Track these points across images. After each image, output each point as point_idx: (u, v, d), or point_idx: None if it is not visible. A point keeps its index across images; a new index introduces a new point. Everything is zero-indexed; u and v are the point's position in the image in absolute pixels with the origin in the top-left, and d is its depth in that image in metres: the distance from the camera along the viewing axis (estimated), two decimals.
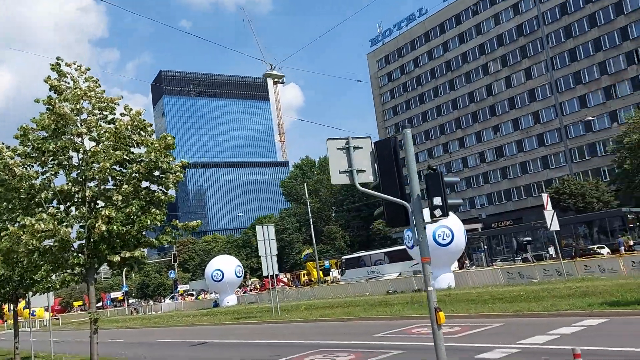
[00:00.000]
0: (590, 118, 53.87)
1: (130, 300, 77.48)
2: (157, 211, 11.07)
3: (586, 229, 54.20)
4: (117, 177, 10.69)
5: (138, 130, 11.03)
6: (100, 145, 10.43)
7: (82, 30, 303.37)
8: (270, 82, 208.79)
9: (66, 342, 27.82)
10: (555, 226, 26.05)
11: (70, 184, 10.26)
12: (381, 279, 43.49)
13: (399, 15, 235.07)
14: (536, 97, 69.96)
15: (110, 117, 11.02)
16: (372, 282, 39.15)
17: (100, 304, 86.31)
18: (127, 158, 10.86)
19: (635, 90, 60.20)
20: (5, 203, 10.16)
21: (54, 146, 10.02)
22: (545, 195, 26.96)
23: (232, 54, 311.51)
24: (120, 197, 10.43)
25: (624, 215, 40.45)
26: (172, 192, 11.97)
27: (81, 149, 10.33)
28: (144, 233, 11.10)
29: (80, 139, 10.40)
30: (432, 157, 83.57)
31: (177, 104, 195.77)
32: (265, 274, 27.81)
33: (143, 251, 10.82)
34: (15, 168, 9.63)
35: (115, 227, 10.14)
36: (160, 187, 11.48)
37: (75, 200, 10.47)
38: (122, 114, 11.01)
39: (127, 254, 10.46)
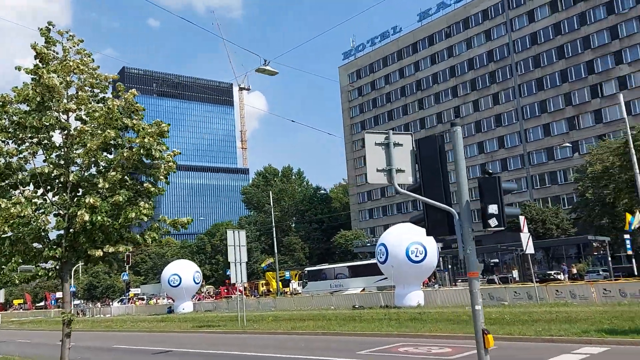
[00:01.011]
0: (567, 144, 55.01)
1: (76, 302, 73.83)
2: (146, 204, 9.96)
3: (543, 254, 55.27)
4: (104, 162, 9.53)
5: (129, 112, 9.91)
6: (87, 125, 9.25)
7: (45, 18, 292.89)
8: (235, 88, 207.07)
9: (10, 342, 25.69)
10: (530, 249, 26.00)
11: (51, 166, 9.02)
12: (344, 293, 42.74)
13: (373, 32, 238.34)
14: (502, 123, 71.39)
15: (100, 96, 9.86)
16: (337, 295, 38.29)
17: (42, 304, 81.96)
18: (117, 141, 9.72)
19: (597, 123, 62.21)
20: None
21: (37, 122, 8.79)
22: (522, 218, 26.90)
23: (199, 57, 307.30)
24: (106, 185, 9.28)
25: (590, 242, 41.17)
26: (161, 184, 10.84)
27: (67, 127, 9.13)
28: (128, 228, 9.94)
29: (66, 116, 9.19)
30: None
31: (139, 103, 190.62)
32: (233, 281, 26.55)
33: (128, 247, 9.66)
34: None
35: (99, 217, 8.97)
36: (148, 178, 10.39)
37: (56, 185, 9.23)
38: (113, 94, 9.87)
39: (111, 249, 9.30)
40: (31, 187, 9.22)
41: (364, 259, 67.75)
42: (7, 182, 8.85)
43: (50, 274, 9.14)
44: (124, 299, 71.95)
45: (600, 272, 46.82)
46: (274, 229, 60.89)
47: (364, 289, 44.46)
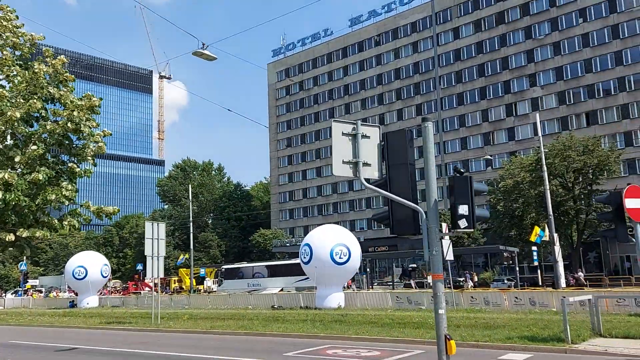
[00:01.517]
0: (489, 156, 57.34)
1: None
2: (69, 186, 8.91)
3: (453, 261, 57.58)
4: (23, 135, 8.37)
5: (57, 82, 8.79)
6: (7, 91, 8.06)
7: None
8: (155, 75, 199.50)
9: None
10: (450, 256, 26.72)
11: None
12: (262, 292, 42.05)
13: (304, 31, 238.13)
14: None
15: (22, 60, 8.67)
16: (255, 295, 37.52)
17: None
18: (40, 113, 8.59)
19: (510, 140, 65.88)
20: None
21: None
22: (444, 225, 27.56)
23: (118, 40, 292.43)
24: (24, 160, 8.14)
25: (500, 252, 43.29)
26: (87, 166, 9.76)
27: None
28: (46, 211, 8.82)
29: None
30: (320, 176, 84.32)
31: None
32: (150, 275, 25.07)
33: (45, 232, 8.54)
34: None
35: (13, 196, 7.83)
36: (72, 158, 9.31)
37: None
38: (38, 59, 8.72)
39: (25, 233, 8.16)
40: None
41: (282, 259, 67.34)
42: None
43: None
44: (19, 290, 66.63)
45: (505, 281, 49.43)
46: (191, 223, 58.91)
47: (282, 289, 44.01)
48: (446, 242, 26.70)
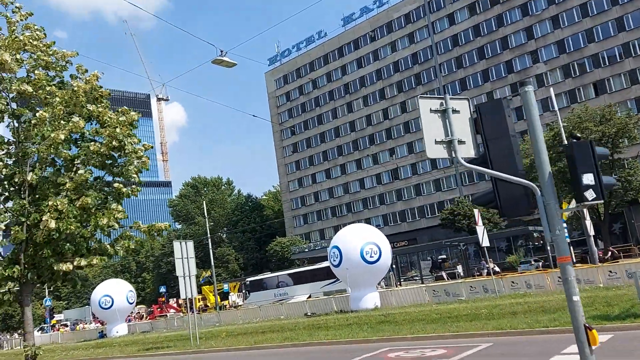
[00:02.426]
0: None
1: None
2: (119, 207, 8.34)
3: (475, 247, 56.74)
4: (68, 158, 7.79)
5: (93, 98, 8.21)
6: (46, 111, 7.49)
7: None
8: (153, 99, 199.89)
9: None
10: (486, 242, 26.04)
11: (0, 164, 7.18)
12: (290, 301, 41.40)
13: (297, 37, 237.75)
14: None
15: (57, 79, 8.10)
16: (286, 304, 36.84)
17: None
18: (82, 134, 8.01)
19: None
20: None
21: None
22: (477, 211, 26.91)
23: (111, 68, 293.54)
24: (72, 186, 7.56)
25: (531, 232, 42.44)
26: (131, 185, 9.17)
27: (22, 114, 7.33)
28: (96, 237, 8.25)
29: (17, 101, 7.38)
30: (330, 178, 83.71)
31: None
32: (183, 296, 24.48)
33: (103, 258, 7.97)
34: None
35: (66, 225, 7.25)
36: (116, 178, 8.73)
37: (7, 187, 7.39)
38: (72, 77, 8.14)
39: (82, 262, 7.59)
40: None
41: (302, 265, 66.64)
42: None
43: (6, 298, 7.25)
44: (44, 326, 66.16)
45: (533, 263, 48.59)
46: (209, 240, 58.36)
47: (310, 296, 43.31)
48: (480, 228, 26.03)
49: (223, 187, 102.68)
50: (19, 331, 70.14)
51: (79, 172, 7.56)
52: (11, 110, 7.24)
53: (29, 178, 7.13)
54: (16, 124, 7.45)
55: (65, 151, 7.82)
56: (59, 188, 7.46)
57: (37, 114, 7.29)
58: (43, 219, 6.89)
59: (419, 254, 57.67)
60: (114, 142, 7.85)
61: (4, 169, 7.09)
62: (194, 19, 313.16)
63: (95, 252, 8.22)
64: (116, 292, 42.42)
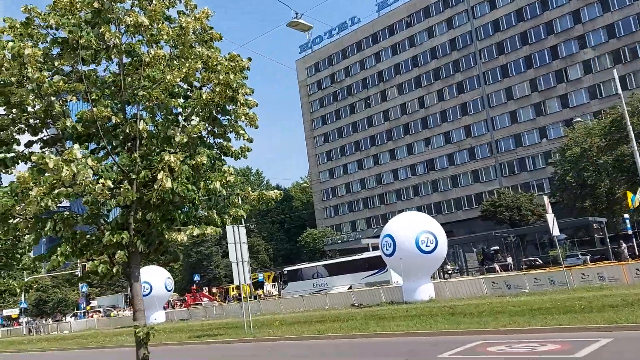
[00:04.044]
0: (579, 120, 48.81)
1: (21, 319, 67.35)
2: (231, 169, 7.09)
3: (518, 240, 54.71)
4: (181, 107, 6.52)
5: (203, 40, 6.90)
6: (160, 49, 6.21)
7: None
8: None
9: None
10: (556, 231, 24.37)
11: (107, 108, 5.93)
12: (331, 291, 40.18)
13: (330, 23, 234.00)
14: (468, 111, 70.87)
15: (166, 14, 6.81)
16: (330, 295, 35.64)
17: None
18: (191, 80, 6.74)
19: (564, 108, 62.55)
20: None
21: (94, 40, 5.68)
22: (546, 198, 25.25)
23: None
24: (184, 140, 6.29)
25: (590, 224, 40.43)
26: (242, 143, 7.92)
27: (135, 50, 6.07)
28: (211, 202, 7.01)
29: (127, 34, 6.11)
30: (362, 169, 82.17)
31: None
32: (237, 282, 23.43)
33: (217, 229, 6.73)
34: (30, 67, 5.26)
35: (181, 186, 5.99)
36: (227, 133, 7.48)
37: (114, 139, 6.15)
38: (179, 13, 6.84)
39: (196, 231, 6.35)
40: (69, 143, 6.07)
41: (334, 256, 65.41)
42: (45, 134, 5.76)
43: (115, 270, 6.05)
44: (77, 313, 66.31)
45: (580, 256, 46.46)
46: (243, 228, 57.31)
47: (350, 287, 42.02)
48: (550, 217, 24.38)
49: (252, 177, 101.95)
50: (53, 316, 70.56)
51: (192, 123, 6.26)
52: (123, 47, 5.96)
53: (140, 127, 5.85)
54: (124, 63, 6.18)
55: (174, 100, 6.53)
56: (168, 142, 6.17)
57: (151, 52, 6.01)
58: (158, 177, 5.59)
59: (455, 247, 55.83)
60: (227, 91, 6.52)
61: (113, 117, 5.81)
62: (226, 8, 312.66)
63: (201, 221, 6.94)
64: (154, 279, 41.65)
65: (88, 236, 5.99)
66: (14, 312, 68.65)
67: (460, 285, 28.62)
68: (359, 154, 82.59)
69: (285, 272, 50.87)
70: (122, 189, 5.73)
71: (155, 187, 5.75)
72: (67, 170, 5.02)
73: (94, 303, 70.94)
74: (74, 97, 5.94)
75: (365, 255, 45.88)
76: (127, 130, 5.94)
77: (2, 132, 5.66)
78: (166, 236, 6.18)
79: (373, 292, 32.42)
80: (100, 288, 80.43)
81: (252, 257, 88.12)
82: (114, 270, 6.03)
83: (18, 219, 5.41)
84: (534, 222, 55.76)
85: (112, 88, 6.22)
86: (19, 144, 5.85)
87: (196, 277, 68.01)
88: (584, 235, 48.24)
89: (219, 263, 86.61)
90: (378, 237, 68.37)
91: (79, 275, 6.25)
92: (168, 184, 5.76)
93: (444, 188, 72.99)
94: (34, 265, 5.98)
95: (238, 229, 23.56)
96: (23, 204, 5.09)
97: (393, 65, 79.29)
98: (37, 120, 5.69)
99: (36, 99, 5.49)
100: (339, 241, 73.95)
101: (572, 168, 47.73)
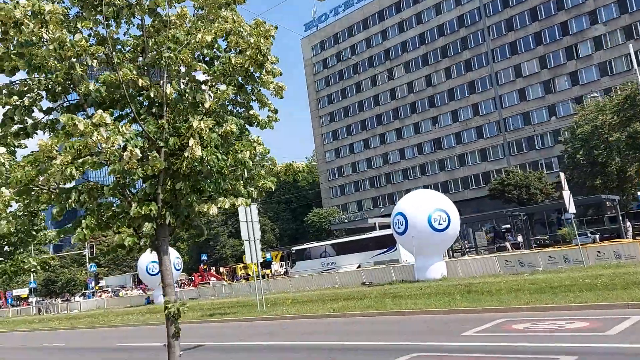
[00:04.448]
0: (595, 95, 49.13)
1: (31, 299, 67.83)
2: (259, 138, 6.75)
3: (527, 219, 54.26)
4: (206, 73, 6.14)
5: (228, 2, 6.48)
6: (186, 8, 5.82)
7: None
8: None
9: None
10: (572, 208, 24.00)
11: (133, 73, 5.55)
12: (339, 270, 40.10)
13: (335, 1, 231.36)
14: (476, 89, 70.01)
15: None
16: (340, 273, 35.55)
17: None
18: (215, 45, 6.37)
19: (574, 85, 61.64)
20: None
21: None
22: (562, 175, 24.83)
23: None
24: (213, 106, 5.92)
25: (603, 201, 39.99)
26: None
27: (162, 7, 5.68)
28: (238, 173, 6.68)
29: None
30: (368, 148, 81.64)
31: None
32: (249, 260, 23.26)
33: (247, 201, 6.41)
34: (51, 25, 4.88)
35: (211, 154, 5.65)
36: (251, 103, 7.12)
37: (141, 104, 5.79)
38: None
39: (227, 203, 6.03)
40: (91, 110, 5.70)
41: (341, 236, 65.32)
42: (64, 100, 5.41)
43: (143, 243, 5.73)
44: (86, 292, 66.70)
45: (589, 235, 46.08)
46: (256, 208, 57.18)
47: (359, 266, 41.92)
48: (567, 194, 23.98)
49: (257, 157, 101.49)
50: (61, 296, 71.06)
51: (221, 88, 5.89)
52: (146, 5, 5.56)
53: (168, 91, 5.47)
54: (147, 23, 5.77)
55: (200, 64, 6.14)
56: (195, 108, 5.80)
57: (178, 9, 5.61)
58: (190, 143, 5.24)
59: (463, 226, 55.33)
60: (258, 56, 6.12)
61: (139, 80, 5.42)
62: None
63: (227, 193, 6.59)
64: None
65: (113, 208, 5.66)
66: (23, 292, 69.14)
67: (472, 264, 28.41)
68: (365, 133, 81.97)
69: (294, 251, 50.81)
70: (150, 158, 5.38)
71: (186, 154, 5.40)
72: (98, 135, 4.67)
73: (102, 283, 71.32)
74: (95, 61, 5.56)
75: (374, 234, 45.72)
76: (153, 95, 5.57)
77: (25, 98, 5.30)
78: (196, 208, 5.85)
79: (383, 271, 32.29)
80: (108, 268, 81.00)
81: None
82: (142, 243, 5.71)
83: (39, 190, 5.07)
84: (542, 201, 55.37)
85: (134, 51, 5.84)
86: (41, 110, 5.51)
87: (204, 257, 68.11)
88: (593, 214, 47.62)
89: (225, 243, 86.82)
90: (385, 216, 68.23)
91: (104, 250, 5.87)
92: (199, 152, 5.42)
93: (451, 167, 72.47)
94: (56, 239, 5.62)
95: (250, 208, 23.28)
96: (46, 174, 4.75)
97: (400, 43, 78.19)
98: (58, 85, 5.33)
99: (57, 61, 5.11)
100: (346, 220, 73.87)
101: (582, 146, 47.12)
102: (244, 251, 62.45)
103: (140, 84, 5.42)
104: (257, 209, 23.52)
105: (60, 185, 5.29)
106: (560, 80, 62.81)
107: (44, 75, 5.23)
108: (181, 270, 44.92)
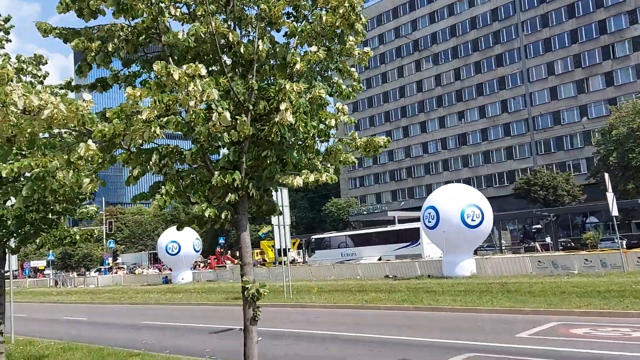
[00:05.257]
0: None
1: (47, 271, 68.26)
2: (344, 107, 6.14)
3: (540, 226, 52.97)
4: (294, 32, 5.48)
5: None
6: None
7: None
8: None
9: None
10: (615, 211, 23.03)
11: (223, 25, 4.88)
12: (360, 262, 39.50)
13: None
14: (506, 86, 68.51)
15: None
16: (363, 265, 34.91)
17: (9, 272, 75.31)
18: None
19: (608, 86, 59.94)
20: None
21: None
22: (607, 176, 23.82)
23: None
24: (304, 68, 5.25)
25: (638, 207, 38.83)
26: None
27: None
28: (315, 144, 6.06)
29: None
30: (390, 140, 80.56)
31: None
32: (277, 246, 22.75)
33: (331, 176, 5.77)
34: None
35: (302, 121, 4.99)
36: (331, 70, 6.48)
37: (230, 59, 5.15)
38: None
39: (312, 177, 5.41)
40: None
41: (358, 228, 64.63)
42: (144, 53, 4.79)
43: (224, 215, 5.10)
44: (101, 268, 66.97)
45: (615, 240, 44.84)
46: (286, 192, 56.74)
47: (380, 258, 41.26)
48: (610, 195, 23.01)
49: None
50: (77, 270, 71.50)
51: (311, 49, 5.20)
52: None
53: (261, 48, 4.79)
54: None
55: (288, 21, 5.47)
56: (284, 70, 5.12)
57: None
58: (281, 107, 4.56)
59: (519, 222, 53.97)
60: (351, 15, 5.43)
61: (229, 34, 4.75)
62: None
63: (302, 167, 5.93)
64: (183, 239, 41.46)
65: (193, 176, 5.03)
66: (40, 263, 69.64)
67: (502, 263, 27.57)
68: (389, 124, 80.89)
69: (313, 239, 50.29)
70: (239, 122, 4.72)
71: (277, 119, 4.73)
72: (194, 86, 4.03)
73: (119, 260, 71.61)
74: (178, 10, 4.91)
75: (397, 227, 44.96)
76: (243, 51, 4.91)
77: (109, 44, 4.69)
78: (281, 180, 5.22)
79: (408, 265, 31.58)
80: (124, 245, 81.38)
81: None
82: (223, 215, 5.09)
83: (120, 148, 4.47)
84: (569, 203, 54.11)
85: (217, 3, 5.18)
86: (121, 59, 4.91)
87: (221, 240, 67.97)
88: (623, 219, 46.42)
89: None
90: (405, 210, 67.32)
91: (181, 221, 5.28)
92: (290, 117, 4.75)
93: (475, 164, 71.21)
94: (135, 201, 5.08)
95: (281, 192, 22.68)
96: (131, 130, 4.12)
97: (430, 34, 76.75)
98: (142, 33, 4.70)
99: (145, 5, 4.48)
100: (364, 212, 73.13)
101: (615, 148, 45.80)
102: (259, 237, 62.06)
103: (230, 38, 4.75)
104: (287, 194, 22.92)
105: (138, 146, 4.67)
106: (594, 81, 61.10)
107: (129, 20, 4.61)
108: (200, 251, 44.65)
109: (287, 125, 4.87)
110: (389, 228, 45.08)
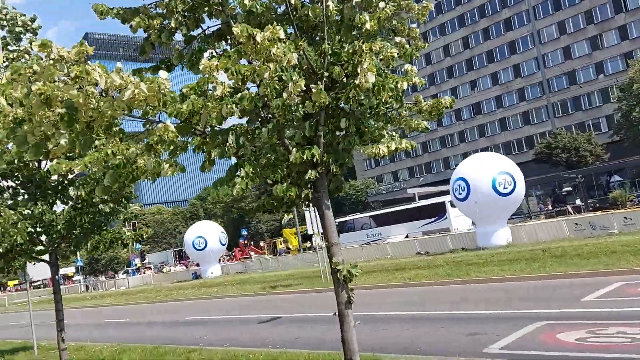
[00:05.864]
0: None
1: (75, 277, 68.90)
2: (414, 69, 5.69)
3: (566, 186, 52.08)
4: None
5: None
6: None
7: None
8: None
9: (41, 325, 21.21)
10: None
11: None
12: (387, 241, 39.18)
13: None
14: (517, 50, 67.10)
15: None
16: (392, 244, 34.56)
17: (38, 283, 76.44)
18: None
19: (623, 40, 58.38)
20: None
21: None
22: None
23: None
24: (374, 27, 4.80)
25: None
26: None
27: None
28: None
29: None
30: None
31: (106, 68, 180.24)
32: (310, 232, 22.51)
33: (405, 145, 5.36)
34: None
35: (381, 84, 4.55)
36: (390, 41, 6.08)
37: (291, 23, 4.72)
38: None
39: (382, 149, 4.99)
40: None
41: (378, 208, 64.17)
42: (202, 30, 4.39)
43: (304, 194, 4.71)
44: (129, 270, 67.49)
45: None
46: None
47: (407, 236, 40.88)
48: None
49: None
50: (105, 273, 72.10)
51: (380, 5, 4.74)
52: None
53: (331, 7, 4.34)
54: None
55: None
56: (351, 31, 4.67)
57: None
58: (358, 70, 4.11)
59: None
60: None
61: None
62: None
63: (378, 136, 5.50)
64: (209, 233, 41.50)
65: (268, 155, 4.63)
66: (69, 270, 70.27)
67: (537, 228, 27.00)
68: None
69: (337, 223, 49.90)
70: (314, 91, 4.29)
71: (357, 81, 4.28)
72: (277, 49, 3.61)
73: (146, 260, 72.09)
74: None
75: (422, 203, 44.44)
76: (310, 13, 4.47)
77: (171, 20, 4.29)
78: (362, 151, 4.81)
79: (438, 240, 31.16)
80: (148, 245, 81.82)
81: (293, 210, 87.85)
82: (303, 195, 4.70)
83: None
84: (592, 163, 53.09)
85: None
86: (184, 36, 4.52)
87: (244, 232, 68.06)
88: None
89: (260, 218, 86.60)
90: (424, 185, 66.66)
91: (254, 205, 4.91)
92: (372, 78, 4.31)
93: (492, 132, 70.16)
94: (215, 187, 4.71)
95: None
96: (206, 109, 3.72)
97: (435, 5, 75.21)
98: (203, 5, 4.28)
99: None
100: (384, 192, 72.59)
101: (638, 103, 44.65)
102: (278, 226, 61.96)
103: (293, 1, 4.31)
104: None
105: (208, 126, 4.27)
106: (608, 36, 59.53)
107: None
108: (226, 244, 44.58)
109: (365, 90, 4.43)
110: (414, 205, 44.63)
